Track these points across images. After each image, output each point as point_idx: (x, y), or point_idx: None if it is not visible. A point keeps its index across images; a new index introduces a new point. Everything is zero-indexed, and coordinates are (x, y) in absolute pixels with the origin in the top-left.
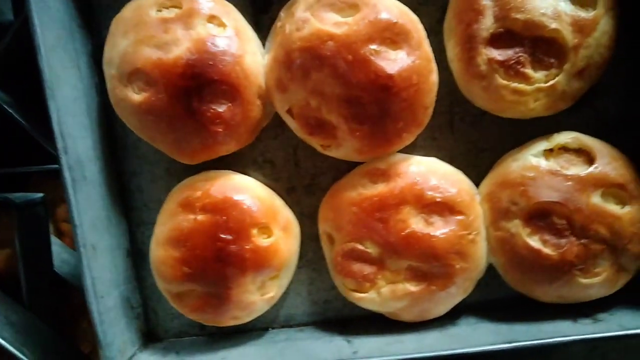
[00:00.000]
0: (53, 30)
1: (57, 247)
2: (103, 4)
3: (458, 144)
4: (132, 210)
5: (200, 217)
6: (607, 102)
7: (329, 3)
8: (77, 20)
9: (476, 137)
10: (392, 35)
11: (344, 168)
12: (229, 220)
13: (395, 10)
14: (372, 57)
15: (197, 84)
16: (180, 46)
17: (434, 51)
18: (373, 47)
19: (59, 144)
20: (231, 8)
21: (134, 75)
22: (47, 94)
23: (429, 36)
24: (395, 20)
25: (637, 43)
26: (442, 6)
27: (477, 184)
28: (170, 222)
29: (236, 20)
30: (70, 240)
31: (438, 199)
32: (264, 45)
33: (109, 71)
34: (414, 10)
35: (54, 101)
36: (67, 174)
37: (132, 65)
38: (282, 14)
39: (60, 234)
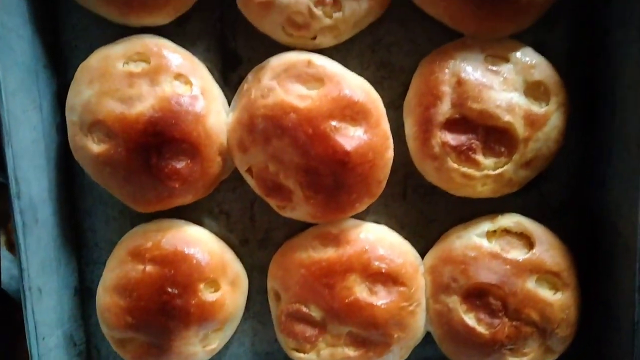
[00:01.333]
0: (16, 74)
1: (7, 263)
2: (71, 43)
3: (409, 213)
4: (82, 249)
5: (148, 268)
6: (553, 187)
7: (295, 74)
8: (43, 61)
9: (426, 209)
10: (352, 113)
11: (298, 226)
12: (177, 274)
13: (358, 89)
14: (332, 133)
15: (158, 141)
16: (144, 102)
17: (394, 124)
18: (333, 123)
19: (13, 189)
20: (199, 65)
21: (95, 126)
22: (4, 141)
23: (389, 110)
24: (356, 100)
25: (585, 135)
26: (404, 82)
27: (424, 252)
28: (118, 269)
29: (203, 78)
30: None
31: (383, 270)
32: (229, 102)
33: (71, 117)
34: (378, 83)
35: (10, 148)
36: (18, 218)
37: (94, 116)
38: (249, 76)
39: (11, 246)
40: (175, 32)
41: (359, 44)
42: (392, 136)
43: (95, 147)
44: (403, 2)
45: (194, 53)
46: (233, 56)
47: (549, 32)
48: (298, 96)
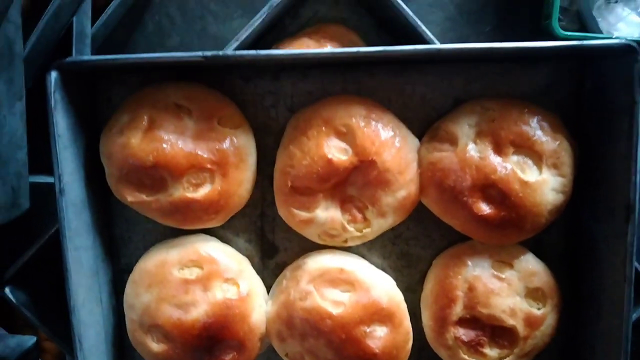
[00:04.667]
0: (83, 283)
1: None
2: (124, 236)
3: None
4: None
5: None
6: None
7: (329, 279)
8: (101, 256)
9: None
10: (379, 317)
11: None
12: None
13: (384, 294)
14: (362, 338)
15: (211, 342)
16: (198, 308)
17: (411, 305)
18: (364, 328)
19: None
20: (244, 263)
21: (154, 327)
22: (75, 346)
23: (407, 292)
24: (383, 306)
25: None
26: (422, 270)
27: None
28: None
29: (249, 278)
30: None
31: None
32: (267, 285)
33: (131, 315)
34: (398, 271)
35: (82, 352)
36: None
37: (154, 320)
38: (287, 272)
39: None
40: (222, 226)
41: (382, 238)
42: (410, 315)
43: (155, 345)
44: (421, 206)
45: (236, 244)
46: (271, 247)
47: (545, 234)
48: (332, 302)
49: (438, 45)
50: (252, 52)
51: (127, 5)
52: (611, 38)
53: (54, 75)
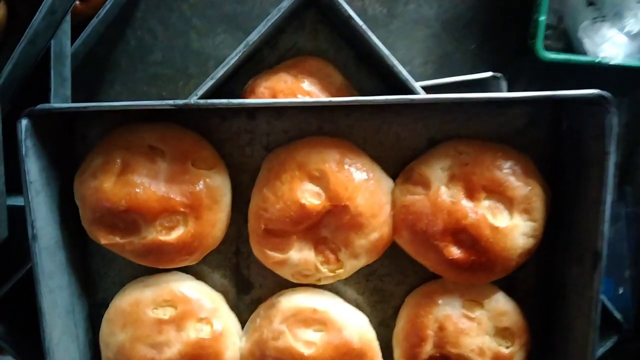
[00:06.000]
0: (58, 323)
1: None
2: (100, 271)
3: None
4: None
5: None
6: None
7: (302, 319)
8: (77, 292)
9: None
10: (350, 358)
11: None
12: None
13: (356, 335)
14: None
15: None
16: (172, 348)
17: (384, 340)
18: None
19: None
20: (220, 302)
21: None
22: None
23: (380, 327)
24: (355, 346)
25: None
26: (395, 306)
27: None
28: None
29: (223, 317)
30: None
31: None
32: (242, 320)
33: (106, 353)
34: (372, 306)
35: None
36: None
37: (128, 359)
38: (261, 311)
39: None
40: (197, 262)
41: (356, 275)
42: (383, 349)
43: None
44: (395, 243)
45: (212, 279)
46: (246, 282)
47: (517, 271)
48: (305, 342)
49: (411, 97)
50: (224, 100)
51: (107, 22)
52: (585, 89)
53: (24, 122)
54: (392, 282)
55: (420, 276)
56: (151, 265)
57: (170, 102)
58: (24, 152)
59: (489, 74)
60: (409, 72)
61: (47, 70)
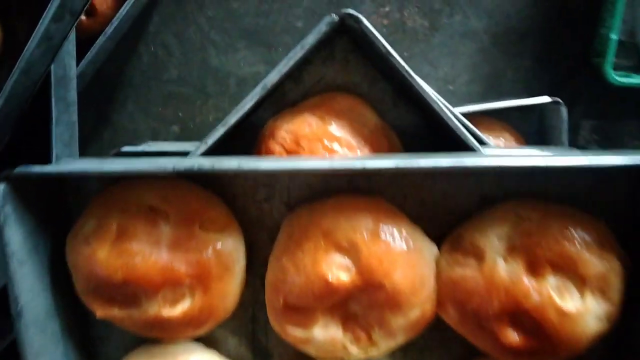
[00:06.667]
0: None
1: None
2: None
3: None
4: None
5: None
6: None
7: None
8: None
9: None
10: None
11: None
12: None
13: None
14: None
15: None
16: None
17: None
18: None
19: None
20: None
21: None
22: None
23: None
24: None
25: None
26: None
27: None
28: None
29: None
30: None
31: None
32: None
33: None
34: None
35: None
36: None
37: None
38: None
39: None
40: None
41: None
42: None
43: None
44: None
45: (226, 346)
46: (264, 351)
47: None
48: None
49: (468, 164)
50: (234, 164)
51: (116, 38)
52: None
53: (1, 187)
54: (434, 356)
55: (467, 348)
56: (156, 338)
57: (170, 166)
58: (2, 220)
59: (547, 99)
60: (452, 92)
61: (47, 96)
